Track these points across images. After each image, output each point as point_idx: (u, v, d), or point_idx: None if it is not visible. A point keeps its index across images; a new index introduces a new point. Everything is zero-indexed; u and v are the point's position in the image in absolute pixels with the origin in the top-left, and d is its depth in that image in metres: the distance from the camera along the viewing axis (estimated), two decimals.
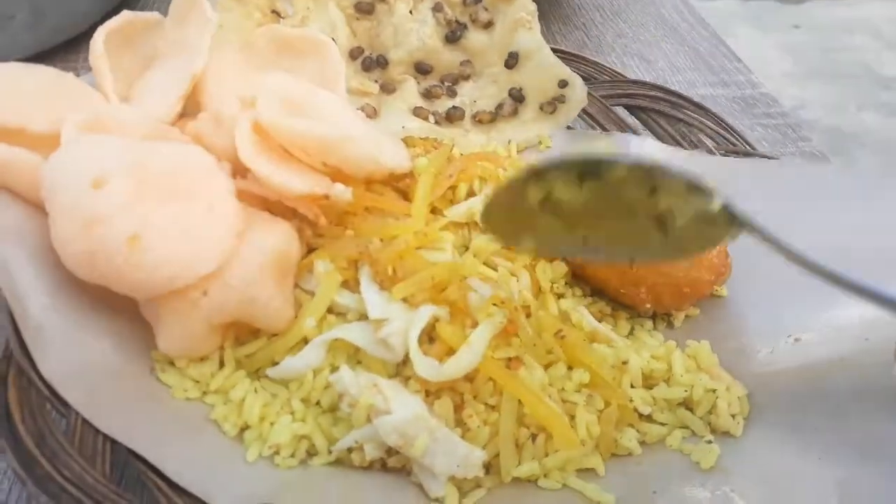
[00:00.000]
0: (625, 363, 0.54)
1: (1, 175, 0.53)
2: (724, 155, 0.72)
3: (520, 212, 0.50)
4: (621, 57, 1.04)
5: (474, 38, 0.75)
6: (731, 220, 0.46)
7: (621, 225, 0.48)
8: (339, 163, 0.57)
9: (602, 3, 1.18)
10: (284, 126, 0.55)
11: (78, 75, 0.96)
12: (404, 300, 0.53)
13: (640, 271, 0.57)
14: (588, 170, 0.46)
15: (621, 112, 0.79)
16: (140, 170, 0.50)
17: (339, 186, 0.56)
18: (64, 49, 0.99)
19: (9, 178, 0.53)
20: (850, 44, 3.24)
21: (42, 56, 0.97)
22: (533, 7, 0.72)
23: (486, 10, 0.73)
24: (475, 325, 0.52)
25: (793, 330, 0.57)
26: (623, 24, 1.13)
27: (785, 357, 0.56)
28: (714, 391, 0.53)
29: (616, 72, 0.81)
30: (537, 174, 0.47)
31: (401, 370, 0.53)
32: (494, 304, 0.52)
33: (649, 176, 0.45)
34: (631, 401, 0.53)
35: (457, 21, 0.75)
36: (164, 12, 1.07)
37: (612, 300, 0.62)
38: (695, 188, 0.44)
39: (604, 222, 0.49)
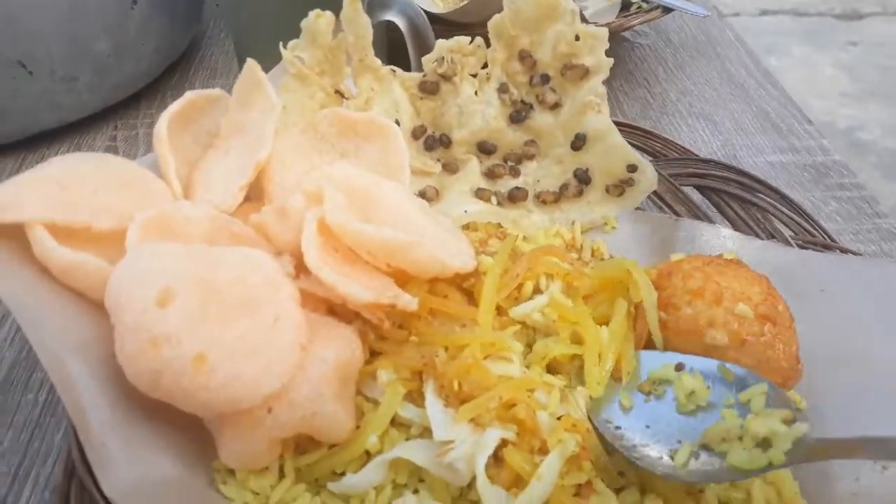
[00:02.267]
0: (701, 491, 0.52)
1: (68, 278, 0.53)
2: (802, 247, 0.69)
3: None
4: (686, 118, 1.01)
5: (540, 118, 0.73)
6: None
7: None
8: (404, 265, 0.56)
9: (665, 56, 1.15)
10: (350, 229, 0.54)
11: (136, 132, 0.98)
12: (471, 419, 0.51)
13: None
14: None
15: (691, 191, 0.76)
16: (205, 283, 0.49)
17: (406, 297, 0.54)
18: (125, 105, 1.00)
19: (75, 282, 0.53)
20: None
21: (104, 114, 0.98)
22: (603, 90, 0.69)
23: (553, 91, 0.71)
24: (544, 446, 0.50)
25: None
26: (687, 80, 1.10)
27: (872, 488, 0.52)
28: None
29: (685, 148, 0.79)
30: None
31: (465, 493, 0.51)
32: (566, 430, 0.50)
33: None
34: None
35: (522, 101, 0.73)
36: (223, 66, 1.08)
37: None
38: None
39: None
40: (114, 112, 0.99)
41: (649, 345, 0.59)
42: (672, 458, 0.52)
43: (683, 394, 0.55)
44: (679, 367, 0.56)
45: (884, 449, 0.46)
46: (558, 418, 0.53)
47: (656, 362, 0.57)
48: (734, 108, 1.04)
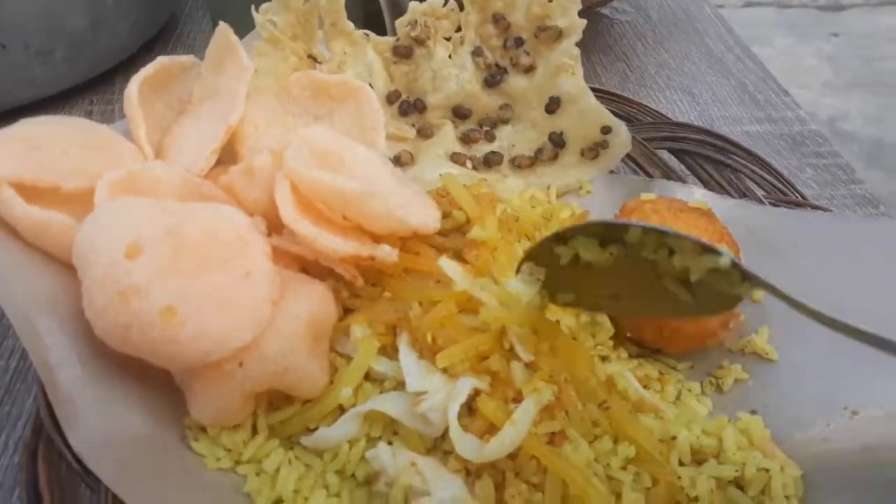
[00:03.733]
0: (673, 438, 0.52)
1: (35, 237, 0.53)
2: (775, 205, 0.70)
3: (554, 270, 0.53)
4: (664, 90, 1.02)
5: (514, 82, 0.73)
6: (743, 278, 0.47)
7: (648, 284, 0.51)
8: (358, 218, 0.55)
9: (644, 31, 1.16)
10: (306, 177, 0.54)
11: (113, 108, 0.98)
12: (444, 370, 0.51)
13: None
14: (609, 234, 0.50)
15: (665, 155, 0.76)
16: (175, 236, 0.49)
17: (386, 248, 0.54)
18: (102, 80, 0.99)
19: (43, 241, 0.53)
20: (892, 53, 3.15)
21: (80, 88, 0.97)
22: (576, 52, 0.69)
23: (527, 54, 0.71)
24: (518, 396, 0.50)
25: (850, 401, 0.54)
26: (666, 53, 1.10)
27: (842, 433, 0.53)
28: (767, 471, 0.50)
29: (660, 113, 0.79)
30: (560, 239, 0.51)
31: (439, 444, 0.51)
32: (542, 380, 0.50)
33: (662, 238, 0.48)
34: (679, 478, 0.50)
35: (497, 65, 0.73)
36: (201, 43, 1.08)
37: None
38: (706, 249, 0.47)
39: (632, 281, 0.51)
40: (90, 88, 0.98)
41: None
42: None
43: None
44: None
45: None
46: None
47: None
48: (712, 80, 1.04)
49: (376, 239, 0.56)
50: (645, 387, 0.57)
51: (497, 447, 0.47)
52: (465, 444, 0.47)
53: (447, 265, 0.54)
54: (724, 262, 0.47)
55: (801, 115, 0.97)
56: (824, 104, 2.84)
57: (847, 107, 2.82)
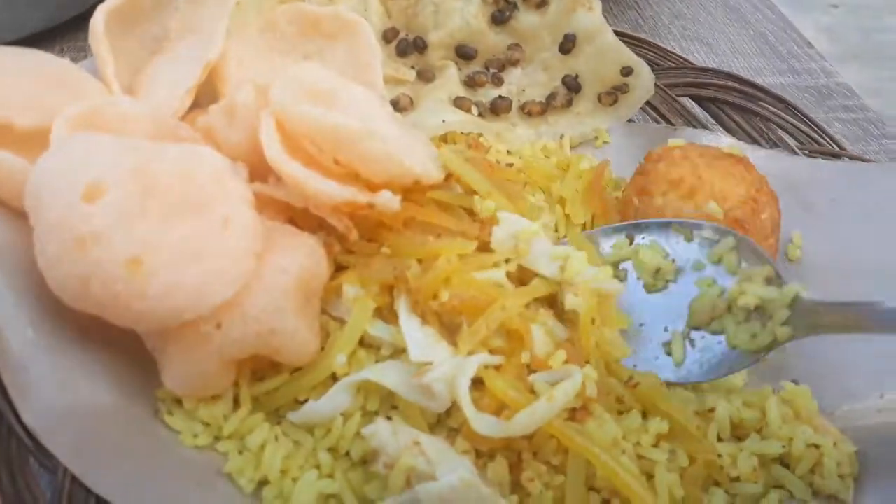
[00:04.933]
0: (711, 411, 0.46)
1: None
2: (810, 155, 0.64)
3: None
4: (680, 40, 0.95)
5: (525, 18, 0.66)
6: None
7: None
8: (354, 160, 0.49)
9: None
10: (295, 113, 0.47)
11: (85, 56, 0.90)
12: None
13: None
14: None
15: (687, 103, 0.70)
16: (143, 177, 0.42)
17: (387, 194, 0.47)
18: (73, 26, 0.91)
19: None
20: (892, 25, 3.10)
21: (48, 34, 0.90)
22: None
23: None
24: (537, 363, 0.44)
25: None
26: (680, 2, 1.03)
27: None
28: (818, 447, 0.45)
29: (682, 58, 0.73)
30: None
31: (443, 420, 0.45)
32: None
33: None
34: (719, 456, 0.44)
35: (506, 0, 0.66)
36: None
37: None
38: None
39: None
40: (59, 34, 0.90)
41: None
42: (669, 353, 0.49)
43: (647, 273, 0.51)
44: (630, 238, 0.53)
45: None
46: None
47: (607, 241, 0.53)
48: (730, 31, 0.98)
49: (372, 188, 0.50)
50: None
51: (525, 421, 0.41)
52: (482, 421, 0.41)
53: None
54: None
55: (827, 67, 0.91)
56: None
57: (846, 78, 2.77)
